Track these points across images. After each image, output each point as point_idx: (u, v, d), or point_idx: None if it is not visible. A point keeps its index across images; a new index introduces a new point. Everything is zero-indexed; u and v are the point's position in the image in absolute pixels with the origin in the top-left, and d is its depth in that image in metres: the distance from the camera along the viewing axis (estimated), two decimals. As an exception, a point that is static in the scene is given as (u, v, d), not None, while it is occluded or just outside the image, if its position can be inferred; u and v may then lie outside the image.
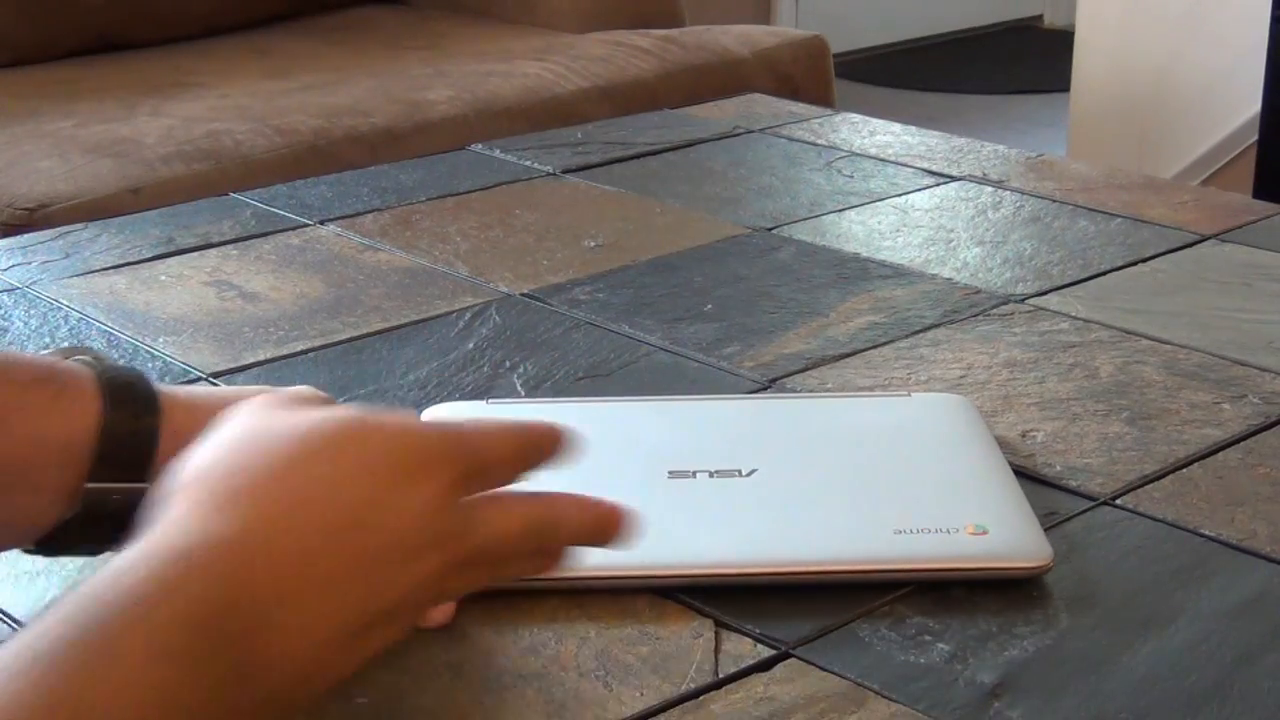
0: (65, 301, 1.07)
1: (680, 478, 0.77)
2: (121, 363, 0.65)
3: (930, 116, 4.07)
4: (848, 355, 0.97)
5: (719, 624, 0.70)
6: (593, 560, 0.71)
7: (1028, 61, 4.92)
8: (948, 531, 0.74)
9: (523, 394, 0.92)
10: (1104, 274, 1.11)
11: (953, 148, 1.39)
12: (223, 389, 0.67)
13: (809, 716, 0.64)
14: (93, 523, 0.64)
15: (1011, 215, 1.23)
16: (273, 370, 0.96)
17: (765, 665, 0.67)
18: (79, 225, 1.22)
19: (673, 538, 0.73)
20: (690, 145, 1.41)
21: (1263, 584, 0.73)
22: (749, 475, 0.78)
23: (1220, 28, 3.15)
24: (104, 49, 2.65)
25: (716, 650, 0.68)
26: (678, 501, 0.76)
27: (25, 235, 1.22)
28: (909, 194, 1.28)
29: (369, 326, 1.02)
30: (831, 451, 0.82)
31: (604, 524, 0.60)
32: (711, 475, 0.78)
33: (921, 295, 1.07)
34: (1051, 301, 1.06)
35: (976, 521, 0.74)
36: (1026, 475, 0.82)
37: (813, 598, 0.71)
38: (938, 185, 1.30)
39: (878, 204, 1.25)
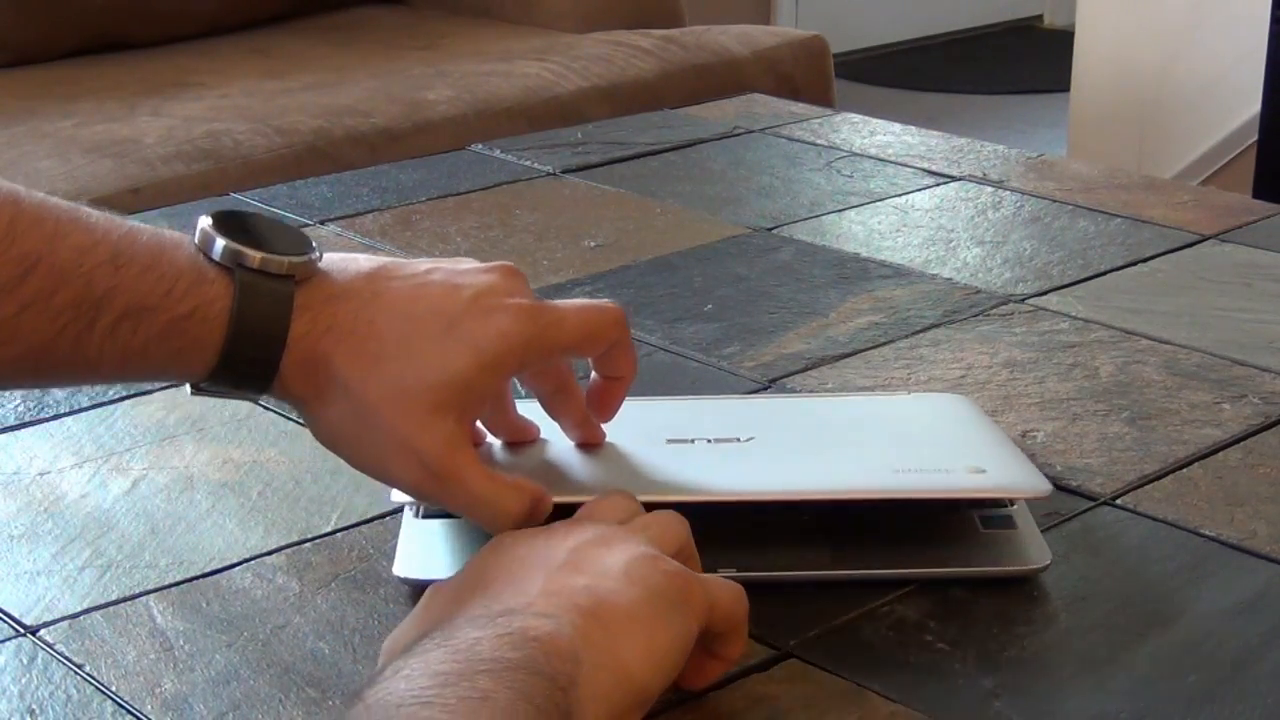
0: (65, 301, 1.06)
1: (678, 443, 0.78)
2: (270, 265, 0.67)
3: (930, 116, 4.06)
4: (848, 355, 0.97)
5: (719, 624, 0.70)
6: (591, 486, 0.71)
7: (1028, 61, 4.92)
8: (946, 471, 0.74)
9: (523, 394, 0.92)
10: (1104, 274, 1.11)
11: (953, 148, 1.39)
12: (376, 272, 0.69)
13: (809, 716, 0.64)
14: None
15: (1011, 215, 1.23)
16: (273, 370, 0.96)
17: (765, 665, 0.67)
18: (79, 225, 1.22)
19: (672, 474, 0.73)
20: (690, 145, 1.41)
21: (1263, 584, 0.73)
22: (747, 441, 0.78)
23: (1220, 28, 3.15)
24: (104, 49, 2.65)
25: (716, 650, 0.68)
26: (676, 461, 0.76)
27: (25, 235, 1.22)
28: (909, 194, 1.28)
29: (369, 326, 1.02)
30: (831, 423, 0.82)
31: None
32: (710, 442, 0.78)
33: (921, 295, 1.07)
34: (1051, 301, 1.06)
35: (974, 463, 0.74)
36: (1026, 475, 0.82)
37: (813, 598, 0.71)
38: (938, 185, 1.30)
39: (878, 204, 1.25)
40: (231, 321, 0.65)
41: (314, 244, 0.69)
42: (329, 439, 0.69)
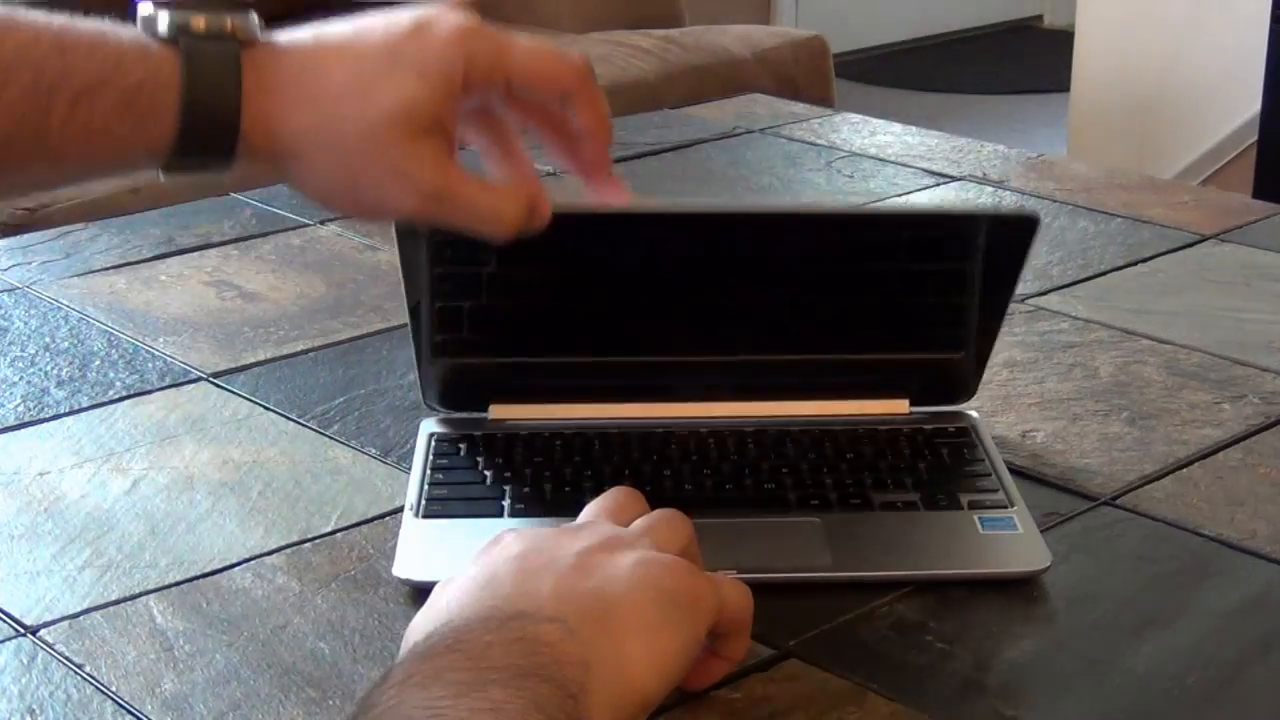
0: (65, 301, 1.07)
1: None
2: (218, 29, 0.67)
3: (930, 116, 4.06)
4: (848, 355, 0.97)
5: (719, 624, 0.70)
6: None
7: (1028, 61, 4.92)
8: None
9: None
10: (1104, 274, 1.11)
11: (953, 148, 1.39)
12: (335, 35, 0.70)
13: (809, 716, 0.64)
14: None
15: (1011, 215, 1.23)
16: (273, 370, 0.96)
17: (765, 665, 0.67)
18: (79, 225, 1.22)
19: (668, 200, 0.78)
20: (690, 145, 1.41)
21: (1263, 584, 0.73)
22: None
23: (1220, 28, 3.15)
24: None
25: (716, 650, 0.68)
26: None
27: (25, 235, 1.22)
28: (909, 194, 1.28)
29: (369, 326, 1.02)
30: None
31: None
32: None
33: (921, 295, 1.07)
34: (1051, 301, 1.06)
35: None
36: (1026, 475, 0.82)
37: (813, 597, 0.71)
38: (938, 185, 1.30)
39: (878, 204, 1.25)
40: (184, 84, 0.66)
41: (255, 15, 0.70)
42: (320, 195, 0.70)
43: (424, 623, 0.60)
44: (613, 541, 0.63)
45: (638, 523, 0.66)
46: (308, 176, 0.69)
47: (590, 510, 0.68)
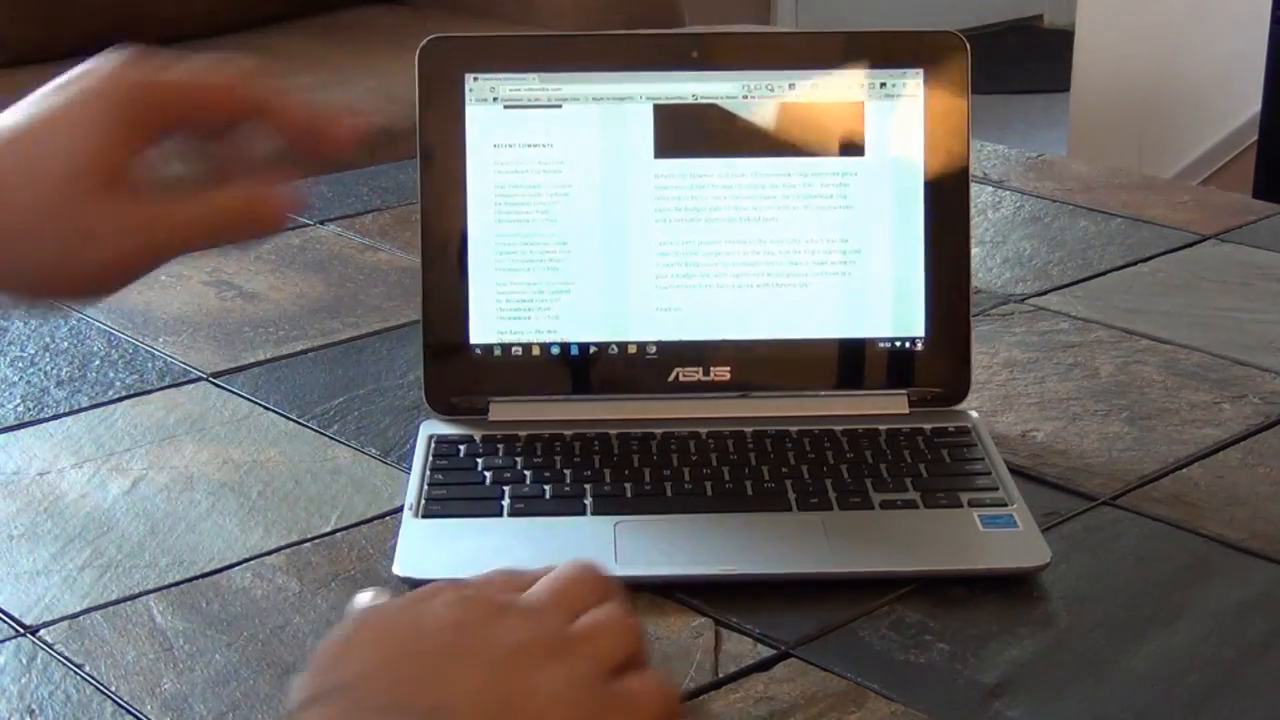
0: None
1: None
2: None
3: (930, 116, 4.04)
4: (848, 355, 0.97)
5: (719, 623, 0.70)
6: None
7: (1028, 61, 4.92)
8: None
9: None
10: (1104, 274, 1.11)
11: (953, 148, 1.39)
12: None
13: (809, 716, 0.64)
14: None
15: (1011, 215, 1.23)
16: (273, 370, 0.96)
17: (765, 665, 0.67)
18: (79, 225, 1.22)
19: None
20: (690, 145, 1.40)
21: (1263, 584, 0.73)
22: None
23: (1220, 28, 3.15)
24: (104, 49, 2.65)
25: (716, 650, 0.68)
26: None
27: (25, 235, 1.22)
28: (909, 194, 1.27)
29: (369, 326, 1.02)
30: None
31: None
32: None
33: (921, 295, 1.07)
34: (1051, 301, 1.06)
35: None
36: (1026, 475, 0.82)
37: (813, 597, 0.71)
38: (938, 185, 1.30)
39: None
40: None
41: None
42: (31, 292, 0.67)
43: (323, 673, 0.57)
44: (552, 645, 0.57)
45: (584, 621, 0.59)
46: (12, 280, 0.66)
47: (544, 586, 0.61)
